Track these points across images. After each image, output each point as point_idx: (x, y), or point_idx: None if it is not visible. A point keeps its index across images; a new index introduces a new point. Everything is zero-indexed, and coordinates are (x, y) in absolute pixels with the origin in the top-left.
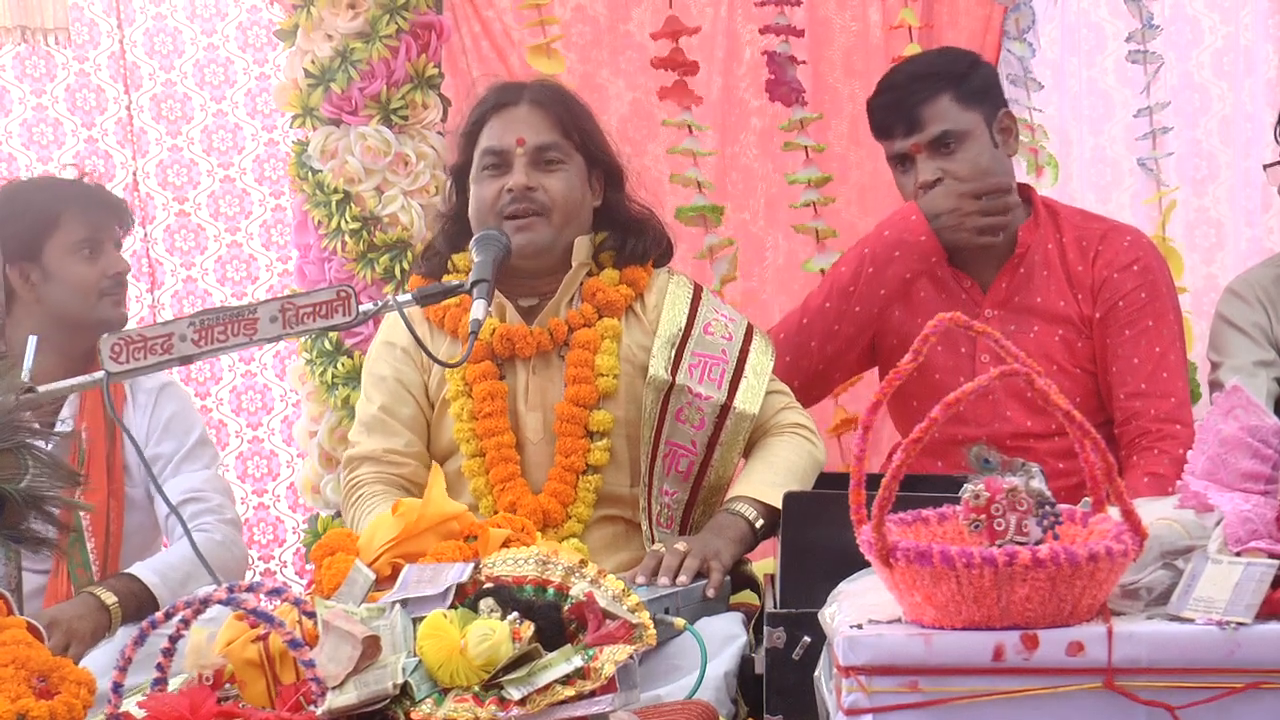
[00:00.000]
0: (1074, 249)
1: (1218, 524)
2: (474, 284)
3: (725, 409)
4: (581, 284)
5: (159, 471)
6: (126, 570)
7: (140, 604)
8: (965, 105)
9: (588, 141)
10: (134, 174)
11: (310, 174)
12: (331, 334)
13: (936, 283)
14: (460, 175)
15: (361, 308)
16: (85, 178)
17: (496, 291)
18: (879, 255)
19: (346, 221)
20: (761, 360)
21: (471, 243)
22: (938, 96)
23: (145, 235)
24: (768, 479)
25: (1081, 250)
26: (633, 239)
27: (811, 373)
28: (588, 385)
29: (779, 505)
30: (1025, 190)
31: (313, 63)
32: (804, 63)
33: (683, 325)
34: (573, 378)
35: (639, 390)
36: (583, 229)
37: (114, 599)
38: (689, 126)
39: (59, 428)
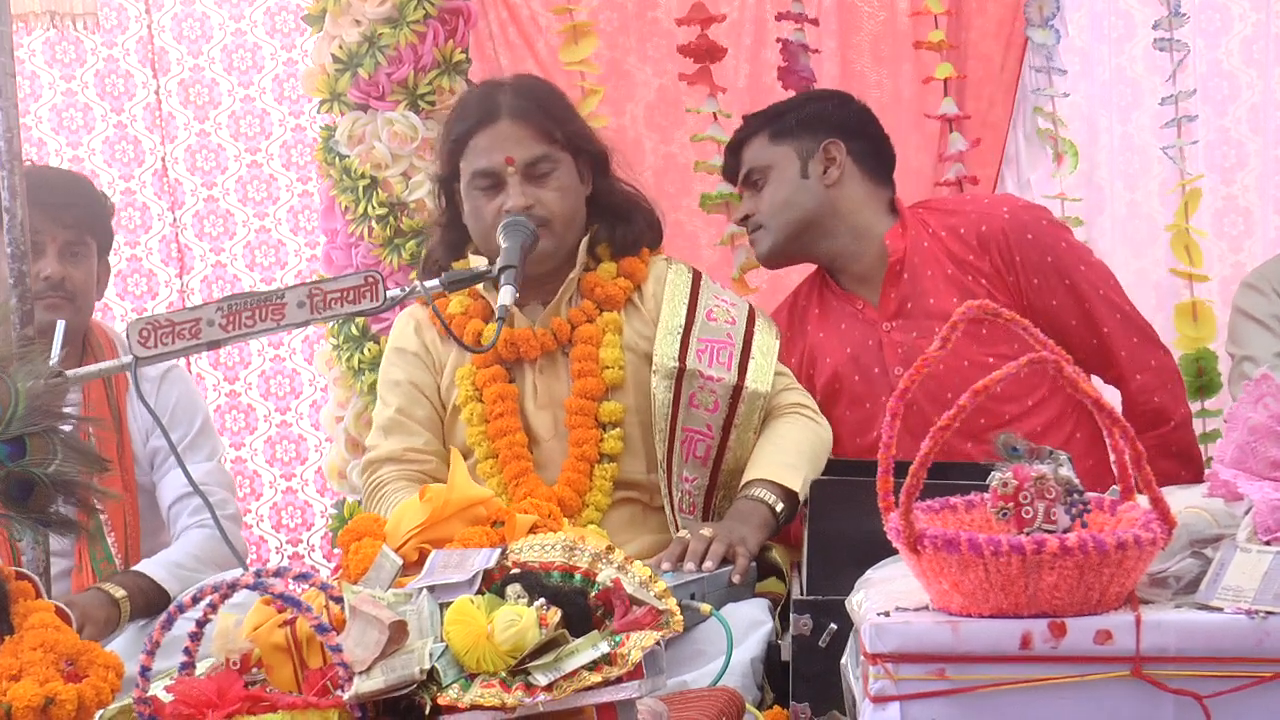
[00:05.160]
0: (953, 239)
1: (1247, 512)
2: (501, 270)
3: (738, 389)
4: (579, 280)
5: (160, 463)
6: (134, 568)
7: (149, 600)
8: (776, 141)
9: (572, 138)
10: (163, 159)
11: (337, 159)
12: (358, 319)
13: (831, 311)
14: (448, 184)
15: (388, 293)
16: (35, 172)
17: None
18: None
19: (373, 207)
20: (767, 339)
21: (499, 229)
22: (753, 138)
23: (175, 220)
24: (779, 460)
25: (961, 239)
26: (623, 226)
27: None
28: (594, 378)
29: (795, 487)
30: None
31: (340, 48)
32: (817, 51)
33: (685, 315)
34: (578, 372)
35: (646, 378)
36: (582, 226)
37: (123, 592)
38: (714, 114)
39: None
